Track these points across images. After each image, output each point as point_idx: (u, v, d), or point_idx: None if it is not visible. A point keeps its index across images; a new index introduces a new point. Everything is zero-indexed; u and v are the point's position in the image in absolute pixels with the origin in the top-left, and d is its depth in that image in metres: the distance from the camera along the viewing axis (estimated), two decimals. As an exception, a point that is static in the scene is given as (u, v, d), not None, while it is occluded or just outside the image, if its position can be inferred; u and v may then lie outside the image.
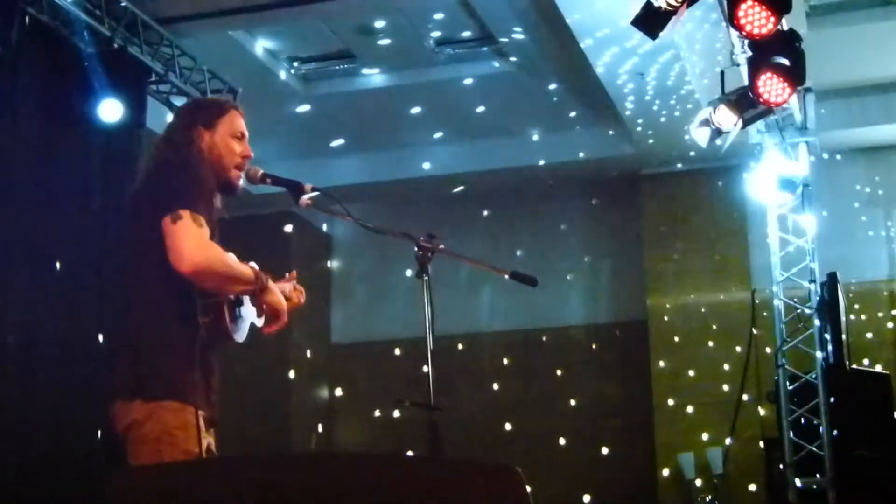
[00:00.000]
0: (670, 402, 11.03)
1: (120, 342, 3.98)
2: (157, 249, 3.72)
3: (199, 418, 3.79)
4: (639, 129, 10.39)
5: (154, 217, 3.74)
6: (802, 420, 9.29)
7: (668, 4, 6.13)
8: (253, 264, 4.00)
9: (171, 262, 3.68)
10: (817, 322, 9.33)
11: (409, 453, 9.63)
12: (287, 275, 4.36)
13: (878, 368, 10.21)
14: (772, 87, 6.64)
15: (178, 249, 3.67)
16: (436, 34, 9.53)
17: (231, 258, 3.85)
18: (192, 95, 8.41)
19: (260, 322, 4.12)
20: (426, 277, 4.05)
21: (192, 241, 3.67)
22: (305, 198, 4.17)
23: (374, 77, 10.24)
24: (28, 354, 6.97)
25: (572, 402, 11.56)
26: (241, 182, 4.16)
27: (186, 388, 3.77)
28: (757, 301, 10.12)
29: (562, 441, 11.46)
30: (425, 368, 4.02)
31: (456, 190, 11.48)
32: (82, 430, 6.89)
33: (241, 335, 4.00)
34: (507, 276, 4.26)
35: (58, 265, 7.34)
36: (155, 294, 3.78)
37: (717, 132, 7.69)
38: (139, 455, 3.74)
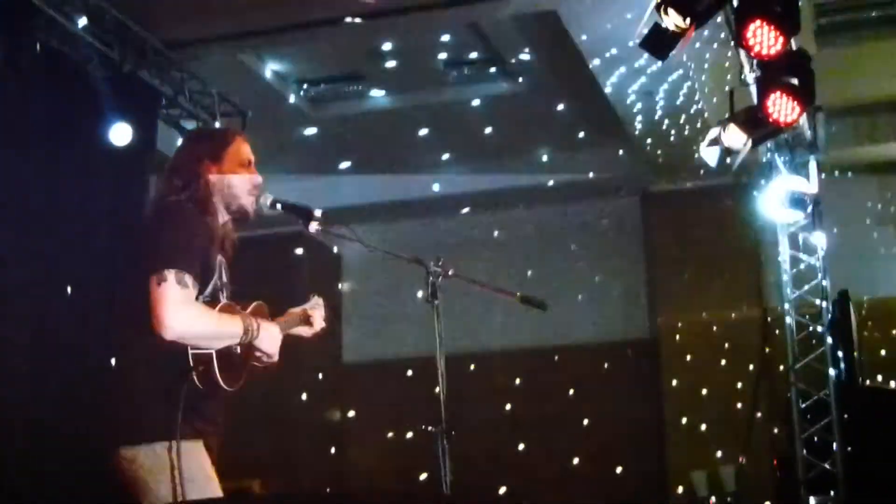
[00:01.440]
0: (683, 420, 11.01)
1: (113, 387, 4.01)
2: (146, 302, 3.76)
3: (201, 448, 3.84)
4: (648, 148, 10.40)
5: (143, 272, 3.78)
6: (815, 438, 9.26)
7: (677, 26, 6.13)
8: (258, 306, 4.02)
9: (153, 325, 3.72)
10: (829, 340, 9.30)
11: (423, 476, 9.62)
12: (310, 299, 4.41)
13: (893, 385, 10.18)
14: (781, 106, 6.62)
15: (158, 315, 3.70)
16: (443, 56, 9.55)
17: (215, 317, 3.84)
18: (202, 119, 8.44)
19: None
20: (436, 302, 4.06)
21: (171, 307, 3.70)
22: (314, 224, 4.18)
23: (382, 99, 10.26)
24: (37, 374, 6.98)
25: (585, 422, 11.53)
26: (253, 208, 4.18)
27: (182, 427, 3.79)
28: (768, 319, 10.12)
29: (575, 460, 11.42)
30: (437, 389, 4.03)
31: (465, 210, 11.49)
32: (92, 452, 6.89)
33: (234, 383, 3.98)
34: (517, 300, 4.27)
35: (69, 288, 7.36)
36: (145, 342, 3.79)
37: (727, 151, 7.66)
38: (153, 494, 3.77)
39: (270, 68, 9.65)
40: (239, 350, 3.96)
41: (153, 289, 3.73)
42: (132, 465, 3.82)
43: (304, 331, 4.39)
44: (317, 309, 4.42)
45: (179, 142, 4.96)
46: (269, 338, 4.01)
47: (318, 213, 4.20)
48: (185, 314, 3.72)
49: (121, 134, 7.65)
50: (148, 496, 3.79)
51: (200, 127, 8.27)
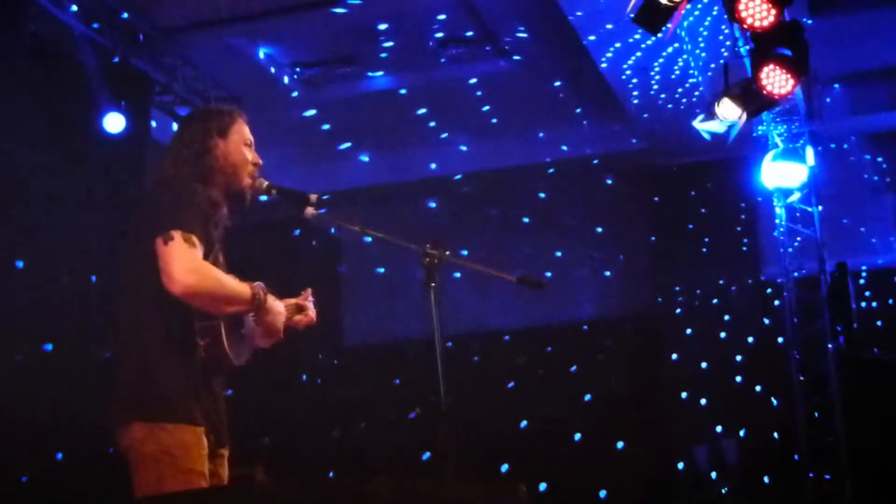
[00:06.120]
0: (684, 394, 11.02)
1: (118, 363, 3.98)
2: (152, 270, 3.74)
3: (200, 437, 3.81)
4: (644, 122, 10.37)
5: (148, 237, 3.77)
6: (816, 411, 9.28)
7: (670, 0, 6.11)
8: (259, 284, 4.00)
9: (163, 283, 3.70)
10: (828, 311, 9.31)
11: (426, 454, 9.64)
12: (302, 293, 4.40)
13: (890, 356, 10.18)
14: (775, 78, 6.61)
15: (168, 271, 3.69)
16: (439, 35, 9.51)
17: (225, 277, 3.84)
18: (196, 105, 8.42)
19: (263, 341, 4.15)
20: (433, 285, 4.06)
21: (182, 263, 3.69)
22: (310, 209, 4.18)
23: (378, 79, 10.22)
24: (32, 364, 6.99)
25: (587, 398, 11.53)
26: (250, 190, 4.18)
27: (185, 409, 3.78)
28: (767, 291, 10.10)
29: (577, 436, 11.43)
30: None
31: (463, 189, 11.47)
32: (86, 440, 6.92)
33: (241, 357, 3.98)
34: (514, 281, 4.27)
35: (64, 276, 7.37)
36: (151, 316, 3.79)
37: (723, 125, 7.66)
38: (140, 474, 3.76)
39: (264, 52, 9.62)
40: (245, 323, 3.97)
41: (160, 249, 3.72)
42: (136, 442, 3.79)
43: (299, 319, 4.39)
44: (310, 300, 4.43)
45: (175, 126, 4.94)
46: (276, 311, 4.03)
47: (313, 198, 4.20)
48: (195, 269, 3.72)
49: (114, 122, 7.65)
50: (164, 474, 3.75)
51: (205, 105, 8.26)
